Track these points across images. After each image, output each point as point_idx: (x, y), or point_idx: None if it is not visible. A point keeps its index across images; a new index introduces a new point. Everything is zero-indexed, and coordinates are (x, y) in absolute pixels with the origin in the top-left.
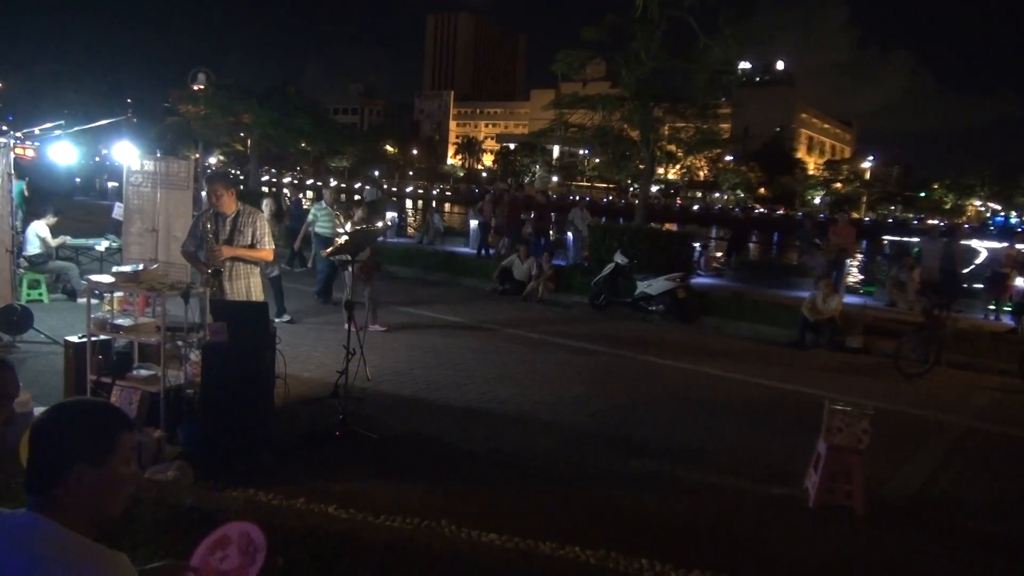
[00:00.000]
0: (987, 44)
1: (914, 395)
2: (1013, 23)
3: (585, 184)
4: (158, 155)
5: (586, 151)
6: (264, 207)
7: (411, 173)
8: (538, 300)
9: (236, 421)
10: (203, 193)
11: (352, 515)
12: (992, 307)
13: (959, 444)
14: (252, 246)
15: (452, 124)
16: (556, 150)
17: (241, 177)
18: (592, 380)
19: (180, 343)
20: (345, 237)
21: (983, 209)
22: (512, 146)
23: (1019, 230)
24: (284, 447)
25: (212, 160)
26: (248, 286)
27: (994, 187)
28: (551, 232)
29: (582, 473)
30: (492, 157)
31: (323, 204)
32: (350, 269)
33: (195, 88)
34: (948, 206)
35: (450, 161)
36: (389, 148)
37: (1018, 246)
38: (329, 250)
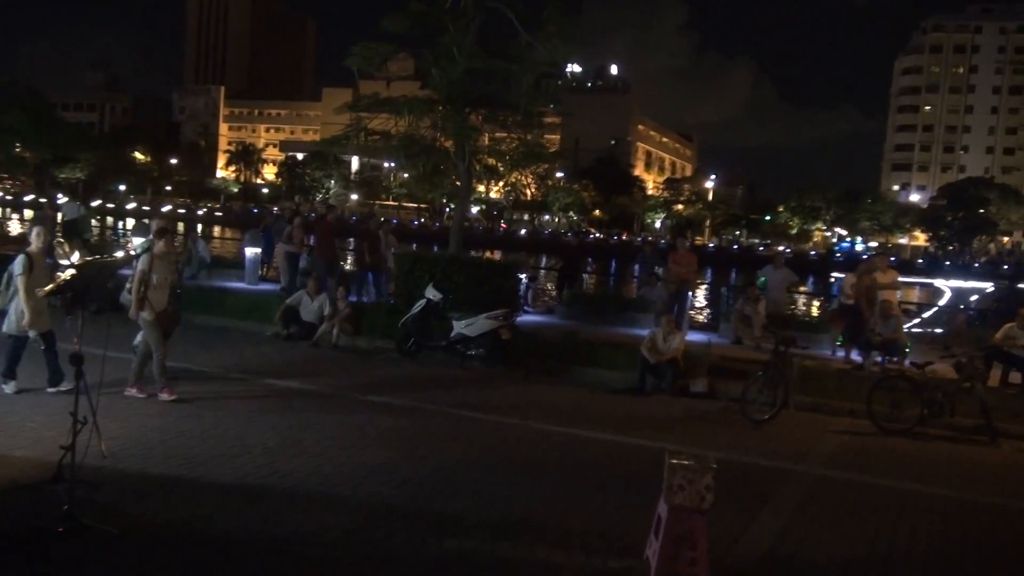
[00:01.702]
0: (829, 56)
1: (761, 443)
2: (855, 36)
3: (392, 204)
4: None
5: (392, 164)
6: None
7: (169, 188)
8: (332, 346)
9: None
10: None
11: None
12: (839, 343)
13: (809, 495)
14: None
15: (223, 127)
16: (355, 162)
17: None
18: (398, 443)
19: None
20: (71, 271)
21: (829, 234)
22: (300, 156)
23: (864, 257)
24: None
25: None
26: None
27: (839, 209)
28: (387, 264)
29: (385, 559)
30: (275, 169)
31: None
32: (78, 312)
33: None
34: (795, 231)
35: (221, 173)
36: (139, 155)
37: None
38: (47, 289)
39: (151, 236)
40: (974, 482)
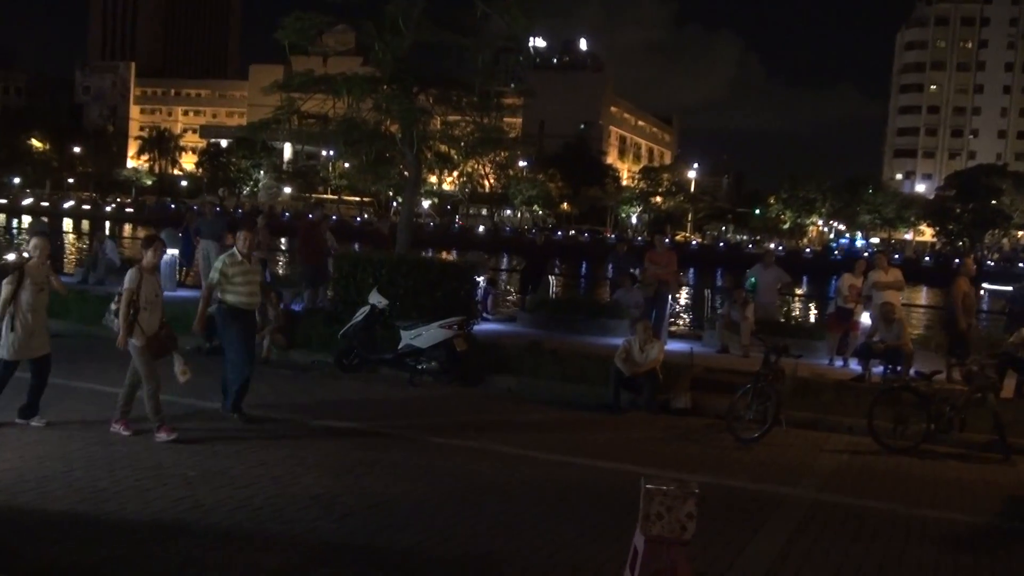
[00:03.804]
0: (823, 30)
1: (751, 464)
2: (852, 6)
3: (331, 197)
4: None
5: (330, 152)
6: None
7: (72, 181)
8: (263, 360)
9: None
10: None
11: None
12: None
13: (804, 523)
14: None
15: (134, 110)
16: (288, 150)
17: None
18: (339, 472)
19: None
20: None
21: (826, 229)
22: (224, 143)
23: (865, 254)
24: None
25: None
26: None
27: (836, 201)
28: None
29: None
30: (195, 158)
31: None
32: None
33: None
34: (787, 225)
35: (132, 163)
36: (36, 143)
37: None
38: None
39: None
40: (987, 505)
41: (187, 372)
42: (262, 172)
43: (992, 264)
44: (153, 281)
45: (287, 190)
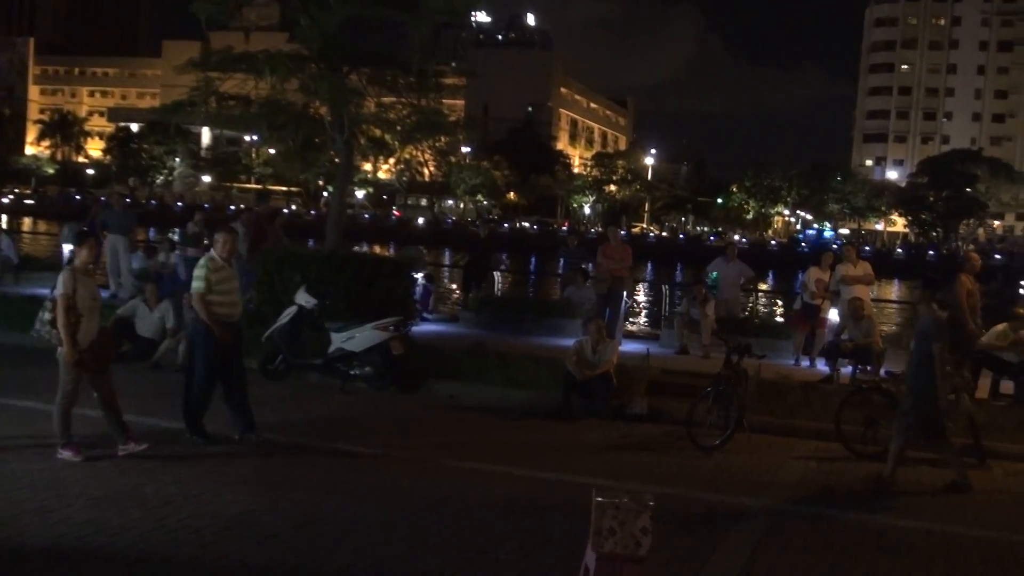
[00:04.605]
0: (788, 5)
1: (712, 474)
2: None
3: (254, 187)
4: None
5: (254, 138)
6: None
7: None
8: (177, 368)
9: None
10: None
11: None
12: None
13: (768, 536)
14: None
15: (33, 90)
16: (206, 134)
17: None
18: (262, 489)
19: None
20: None
21: (792, 220)
22: (135, 127)
23: (834, 246)
24: None
25: None
26: None
27: (803, 189)
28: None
29: None
30: (103, 144)
31: None
32: None
33: None
34: (751, 215)
35: (31, 150)
36: None
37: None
38: None
39: None
40: (962, 513)
41: None
42: (177, 160)
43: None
44: (89, 284)
45: (205, 179)
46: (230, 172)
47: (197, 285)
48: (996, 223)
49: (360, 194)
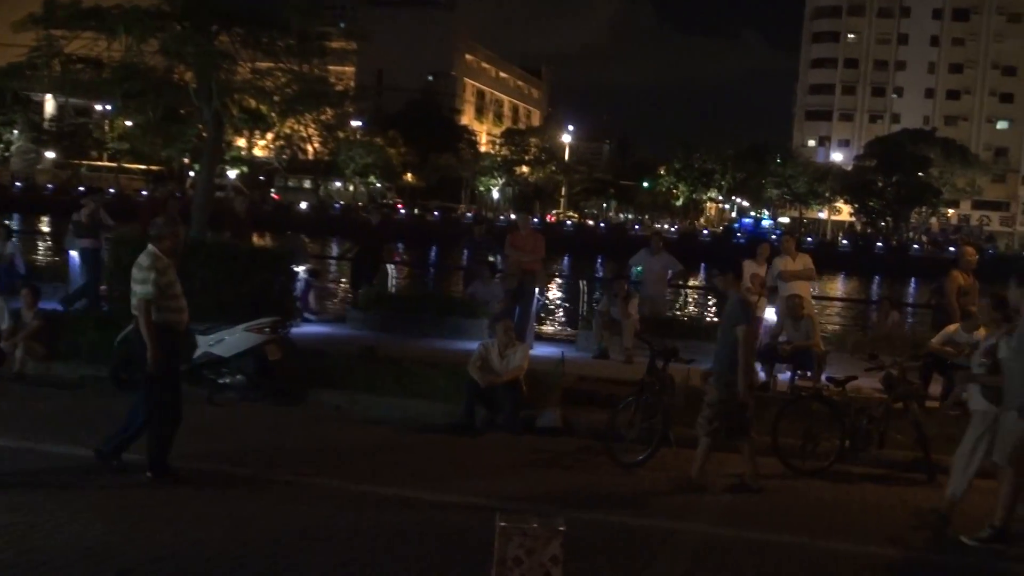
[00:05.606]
0: None
1: (633, 494)
2: None
3: (108, 165)
4: None
5: (107, 108)
6: None
7: None
8: (16, 375)
9: None
10: None
11: None
12: None
13: (695, 562)
14: None
15: None
16: (50, 103)
17: None
18: (116, 518)
19: None
20: None
21: (727, 207)
22: None
23: (773, 236)
24: None
25: None
26: None
27: (738, 173)
28: None
29: None
30: None
31: None
32: None
33: None
34: (680, 201)
35: None
36: None
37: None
38: None
39: None
40: (911, 535)
41: None
42: (15, 132)
43: (919, 248)
44: None
45: (49, 155)
46: (79, 147)
47: (145, 290)
48: (951, 212)
49: (232, 174)
